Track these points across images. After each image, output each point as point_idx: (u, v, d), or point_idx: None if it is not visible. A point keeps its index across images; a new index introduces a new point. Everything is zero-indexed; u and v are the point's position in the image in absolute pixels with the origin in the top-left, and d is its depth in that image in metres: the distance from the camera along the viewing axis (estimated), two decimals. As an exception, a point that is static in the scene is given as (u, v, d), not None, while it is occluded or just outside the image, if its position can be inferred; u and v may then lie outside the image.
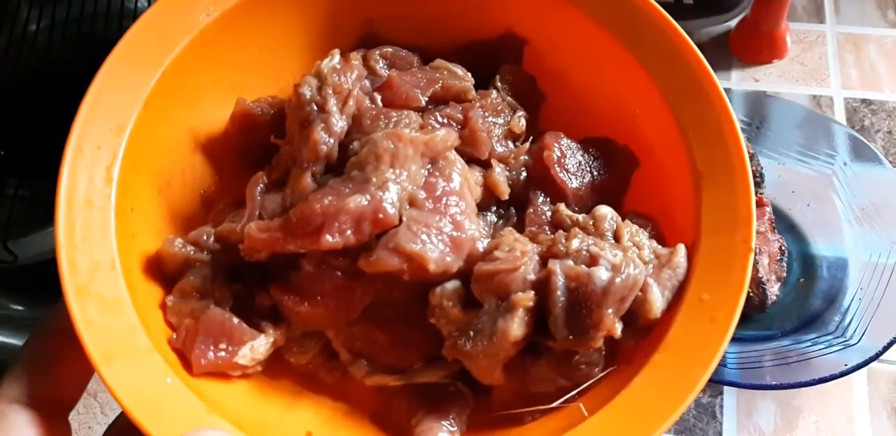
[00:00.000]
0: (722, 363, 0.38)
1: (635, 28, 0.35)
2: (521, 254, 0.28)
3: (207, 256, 0.30)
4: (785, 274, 0.43)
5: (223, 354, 0.28)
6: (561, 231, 0.31)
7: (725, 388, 0.40)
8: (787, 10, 0.55)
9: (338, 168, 0.30)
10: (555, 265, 0.28)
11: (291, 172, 0.31)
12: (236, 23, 0.34)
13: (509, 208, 0.35)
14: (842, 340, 0.41)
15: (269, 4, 0.35)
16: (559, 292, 0.27)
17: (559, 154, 0.35)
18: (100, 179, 0.28)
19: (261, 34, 0.36)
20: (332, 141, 0.30)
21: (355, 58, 0.33)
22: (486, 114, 0.36)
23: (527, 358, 0.29)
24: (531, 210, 0.34)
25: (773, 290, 0.40)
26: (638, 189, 0.36)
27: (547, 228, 0.33)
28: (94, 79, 0.29)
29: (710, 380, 0.36)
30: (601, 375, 0.29)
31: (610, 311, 0.27)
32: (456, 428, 0.29)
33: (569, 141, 0.36)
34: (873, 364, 0.39)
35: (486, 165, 0.35)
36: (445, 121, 0.34)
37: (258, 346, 0.28)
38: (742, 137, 0.32)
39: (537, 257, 0.29)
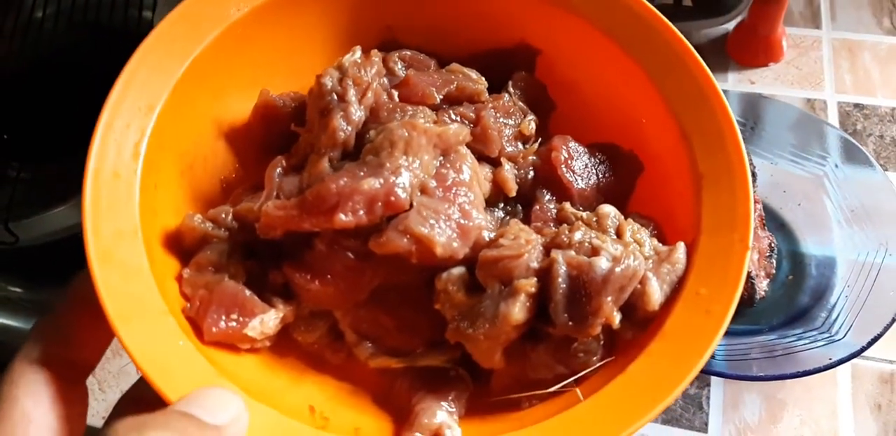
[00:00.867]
0: (710, 355, 0.39)
1: (643, 40, 0.37)
2: (525, 242, 0.30)
3: (225, 232, 0.31)
4: (774, 270, 0.44)
5: (234, 324, 0.29)
6: (565, 224, 0.32)
7: (712, 380, 0.41)
8: (783, 15, 0.57)
9: (354, 155, 0.32)
10: (557, 254, 0.29)
11: (309, 158, 0.32)
12: (264, 20, 0.36)
13: (516, 205, 0.36)
14: (827, 335, 0.42)
15: (294, 5, 0.37)
16: (560, 279, 0.28)
17: (566, 155, 0.37)
18: (128, 153, 0.30)
19: (286, 33, 0.38)
20: (349, 129, 0.31)
21: (375, 55, 0.35)
22: (498, 114, 0.37)
23: (527, 344, 0.29)
24: (537, 207, 0.35)
25: (762, 285, 0.41)
26: (642, 193, 0.38)
27: (552, 224, 0.34)
28: (129, 60, 0.31)
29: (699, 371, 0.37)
30: (599, 364, 0.30)
31: (609, 299, 0.28)
32: (454, 409, 0.30)
33: (576, 144, 0.38)
34: (858, 361, 0.40)
35: (495, 163, 0.36)
36: (458, 119, 0.36)
37: (268, 320, 0.29)
38: (742, 142, 0.33)
39: (541, 247, 0.30)
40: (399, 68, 0.38)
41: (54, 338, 0.28)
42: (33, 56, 0.67)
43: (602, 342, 0.30)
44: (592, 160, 0.38)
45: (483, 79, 0.39)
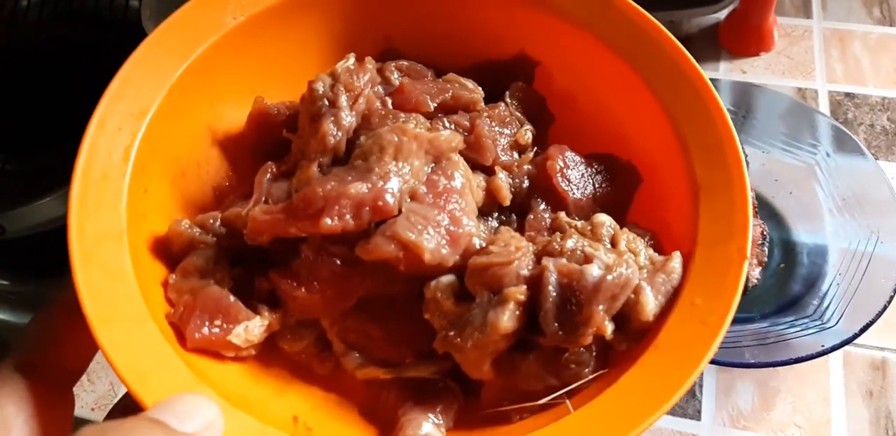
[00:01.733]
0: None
1: (643, 51, 0.36)
2: (515, 249, 0.29)
3: (212, 238, 0.31)
4: (766, 259, 0.44)
5: (217, 330, 0.28)
6: (558, 232, 0.31)
7: (706, 367, 0.40)
8: (774, 4, 0.57)
9: (344, 161, 0.31)
10: (548, 262, 0.29)
11: (299, 163, 0.32)
12: (260, 29, 0.36)
13: (510, 215, 0.36)
14: (819, 323, 0.42)
15: (292, 15, 0.37)
16: (551, 287, 0.28)
17: (562, 165, 0.36)
18: (118, 156, 0.29)
19: (282, 41, 0.38)
20: (340, 134, 0.31)
21: (370, 62, 0.35)
22: (493, 123, 0.37)
23: (516, 354, 0.29)
24: (532, 216, 0.35)
25: (754, 273, 0.41)
26: (639, 204, 0.37)
27: (545, 234, 0.33)
28: (125, 63, 0.31)
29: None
30: (592, 376, 0.29)
31: (600, 308, 0.27)
32: (441, 421, 0.29)
33: (573, 154, 0.37)
34: (849, 349, 0.39)
35: (489, 172, 0.36)
36: (452, 127, 0.36)
37: (253, 327, 0.29)
38: (743, 155, 0.33)
39: (532, 255, 0.30)
40: (395, 77, 0.38)
41: (41, 344, 0.27)
42: (18, 46, 0.66)
43: (595, 354, 0.29)
44: (589, 170, 0.37)
45: (479, 88, 0.39)
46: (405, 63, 0.39)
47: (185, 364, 0.26)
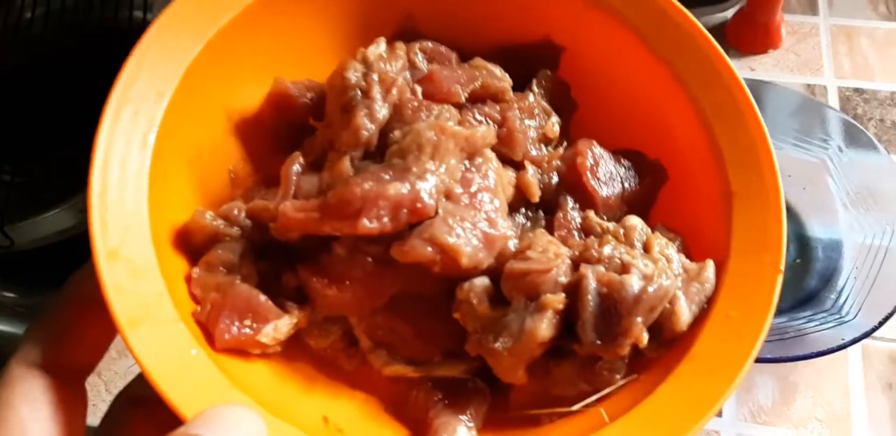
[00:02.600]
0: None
1: (674, 43, 0.35)
2: (554, 256, 0.28)
3: (237, 231, 0.30)
4: None
5: (248, 330, 0.27)
6: (593, 237, 0.31)
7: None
8: (782, 2, 0.57)
9: (375, 155, 0.30)
10: (587, 270, 0.28)
11: (329, 156, 0.30)
12: (279, 4, 0.34)
13: (538, 211, 0.35)
14: (837, 317, 0.42)
15: None
16: (590, 297, 0.27)
17: (592, 162, 0.35)
18: (136, 143, 0.28)
19: (301, 18, 0.36)
20: (373, 127, 0.30)
21: (400, 48, 0.33)
22: (523, 116, 0.36)
23: (550, 360, 0.28)
24: (560, 215, 0.34)
25: None
26: (666, 203, 0.36)
27: (576, 234, 0.33)
28: (137, 44, 0.29)
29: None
30: (622, 382, 0.29)
31: (639, 319, 0.27)
32: (473, 424, 0.29)
33: (601, 149, 0.36)
34: (868, 342, 0.40)
35: (518, 167, 0.35)
36: (483, 119, 0.34)
37: (282, 326, 0.28)
38: (775, 158, 0.32)
39: (569, 261, 0.29)
40: (420, 60, 0.37)
41: (51, 339, 0.26)
42: (24, 58, 0.65)
43: (626, 360, 0.29)
44: (618, 167, 0.36)
45: (507, 76, 0.37)
46: (430, 44, 0.38)
47: (217, 369, 0.25)
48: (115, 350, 0.28)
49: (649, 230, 0.32)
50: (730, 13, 0.62)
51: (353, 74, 0.30)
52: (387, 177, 0.28)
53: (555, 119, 0.38)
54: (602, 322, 0.27)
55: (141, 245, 0.26)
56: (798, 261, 0.47)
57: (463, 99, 0.34)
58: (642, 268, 0.28)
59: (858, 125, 0.49)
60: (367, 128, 0.29)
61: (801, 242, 0.48)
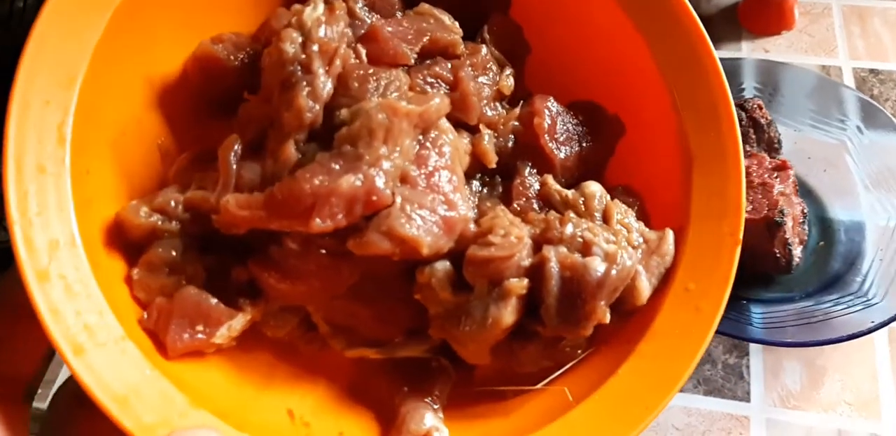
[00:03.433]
0: (748, 323, 0.39)
1: None
2: (516, 239, 0.27)
3: (176, 226, 0.27)
4: (806, 237, 0.44)
5: (200, 336, 0.26)
6: (554, 213, 0.30)
7: (751, 349, 0.41)
8: None
9: (322, 135, 0.28)
10: (549, 252, 0.27)
11: (271, 137, 0.28)
12: None
13: (495, 177, 0.34)
14: (863, 299, 0.42)
15: None
16: (553, 281, 0.27)
17: (550, 122, 0.34)
18: (51, 140, 0.25)
19: None
20: (317, 107, 0.27)
21: (339, 6, 0.30)
22: (476, 73, 0.33)
23: (514, 341, 0.28)
24: (518, 181, 0.33)
25: (796, 252, 0.41)
26: (624, 160, 0.35)
27: (535, 203, 0.32)
28: (35, 25, 0.25)
29: (740, 338, 0.37)
30: (583, 355, 0.29)
31: (603, 302, 0.27)
32: (439, 405, 0.29)
33: (558, 106, 0.34)
34: (894, 325, 0.40)
35: (473, 130, 0.33)
36: (434, 81, 0.32)
37: (235, 324, 0.27)
38: (737, 122, 0.31)
39: (530, 241, 0.28)
40: (361, 10, 0.33)
41: None
42: (14, 47, 0.56)
43: (588, 336, 0.29)
44: (574, 123, 0.35)
45: (457, 25, 0.34)
46: (371, -10, 0.34)
47: (174, 386, 0.24)
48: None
49: (608, 197, 0.32)
50: (742, -6, 0.58)
51: (291, 46, 0.27)
52: (337, 167, 0.25)
53: (509, 71, 0.35)
54: (566, 306, 0.27)
55: (73, 258, 0.24)
56: (821, 244, 0.46)
57: (412, 60, 0.31)
58: (604, 246, 0.28)
59: (876, 104, 0.47)
60: (311, 108, 0.27)
61: (824, 225, 0.47)
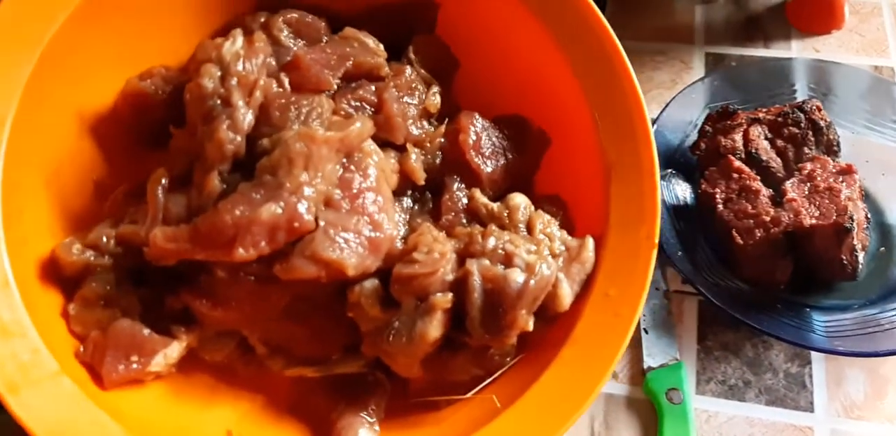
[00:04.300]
0: (811, 330, 0.38)
1: (553, 5, 0.34)
2: (439, 256, 0.29)
3: (109, 260, 0.28)
4: (868, 243, 0.42)
5: (136, 366, 0.27)
6: (477, 226, 0.31)
7: (813, 358, 0.40)
8: None
9: (246, 165, 0.29)
10: (472, 265, 0.29)
11: (196, 169, 0.29)
12: None
13: (425, 193, 0.35)
14: None
15: None
16: (476, 294, 0.28)
17: (475, 138, 0.35)
18: None
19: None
20: (238, 139, 0.28)
21: (259, 39, 0.31)
22: (401, 94, 0.34)
23: (444, 352, 0.30)
24: (447, 196, 0.34)
25: (859, 258, 0.39)
26: (551, 170, 0.37)
27: (463, 217, 0.33)
28: None
29: (803, 346, 0.36)
30: (512, 362, 0.31)
31: (524, 312, 0.28)
32: (374, 419, 0.30)
33: (484, 122, 0.36)
34: None
35: (401, 149, 0.34)
36: (359, 104, 0.33)
37: (171, 352, 0.28)
38: (651, 129, 0.33)
39: (454, 256, 0.29)
40: (286, 36, 0.34)
41: None
42: None
43: (515, 344, 0.31)
44: (500, 138, 0.36)
45: (381, 48, 0.35)
46: (295, 15, 0.35)
47: (110, 417, 0.25)
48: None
49: (532, 208, 0.33)
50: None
51: (210, 81, 0.28)
52: (258, 197, 0.27)
53: (436, 89, 0.36)
54: (489, 317, 0.28)
55: (6, 299, 0.25)
56: (882, 249, 0.44)
57: (335, 86, 0.32)
58: (525, 256, 0.29)
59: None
60: (232, 140, 0.28)
61: (883, 230, 0.44)
